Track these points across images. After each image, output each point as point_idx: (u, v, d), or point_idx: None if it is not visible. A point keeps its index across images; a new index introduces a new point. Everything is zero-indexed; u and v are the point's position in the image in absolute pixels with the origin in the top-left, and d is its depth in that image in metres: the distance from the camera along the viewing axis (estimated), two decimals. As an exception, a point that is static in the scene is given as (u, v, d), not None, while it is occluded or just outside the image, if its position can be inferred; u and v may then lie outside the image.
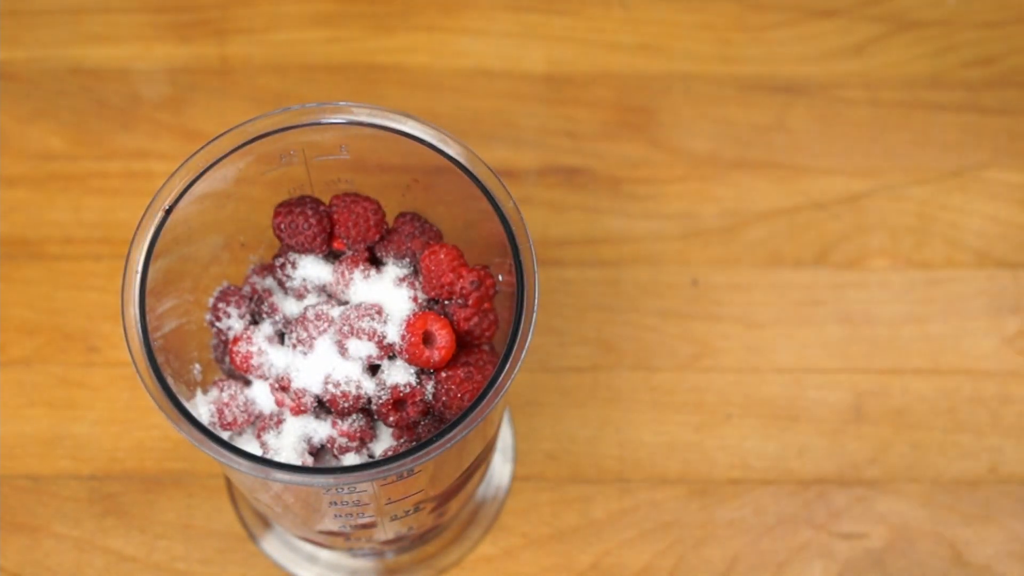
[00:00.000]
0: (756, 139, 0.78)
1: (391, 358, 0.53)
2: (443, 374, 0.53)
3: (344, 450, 0.54)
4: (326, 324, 0.53)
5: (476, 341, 0.54)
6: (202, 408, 0.54)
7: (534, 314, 0.48)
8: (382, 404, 0.52)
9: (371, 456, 0.54)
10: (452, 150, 0.50)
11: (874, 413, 0.72)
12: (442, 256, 0.53)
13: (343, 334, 0.52)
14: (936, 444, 0.71)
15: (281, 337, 0.56)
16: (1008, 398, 0.72)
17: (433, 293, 0.53)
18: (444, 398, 0.53)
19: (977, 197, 0.77)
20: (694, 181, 0.77)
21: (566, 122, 0.77)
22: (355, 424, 0.54)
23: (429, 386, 0.53)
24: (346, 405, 0.52)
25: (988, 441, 0.71)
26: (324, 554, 0.66)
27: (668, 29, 0.81)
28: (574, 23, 0.80)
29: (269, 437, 0.54)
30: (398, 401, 0.53)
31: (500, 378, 0.48)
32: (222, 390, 0.54)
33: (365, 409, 0.54)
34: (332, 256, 0.56)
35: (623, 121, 0.78)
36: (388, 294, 0.54)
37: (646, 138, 0.78)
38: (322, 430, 0.54)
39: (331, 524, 0.55)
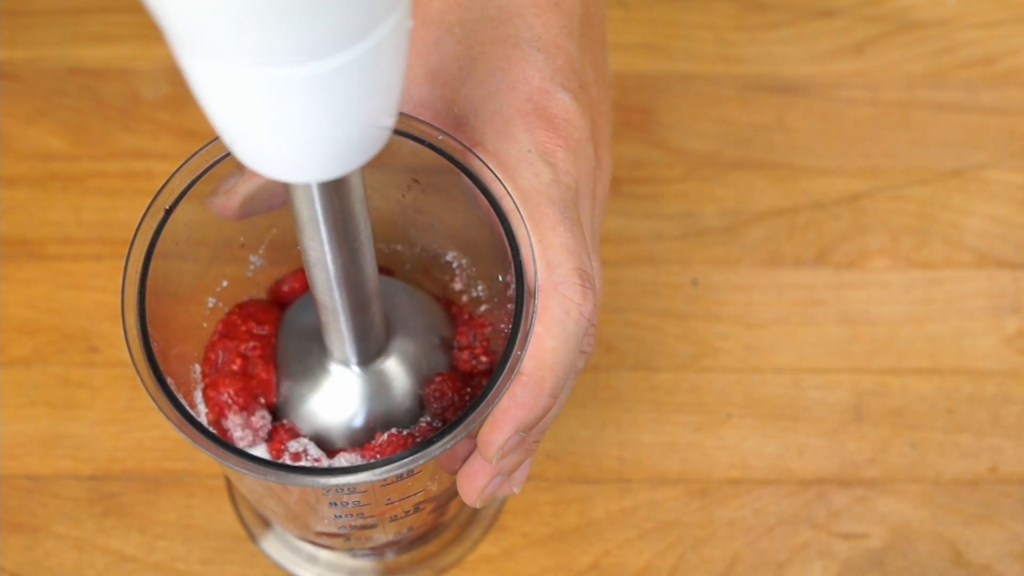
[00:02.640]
0: (756, 139, 0.78)
1: None
2: (437, 377, 0.53)
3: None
4: None
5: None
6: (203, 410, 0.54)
7: (533, 314, 0.48)
8: None
9: None
10: (452, 150, 0.50)
11: (874, 413, 0.72)
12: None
13: None
14: (936, 444, 0.71)
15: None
16: (1008, 398, 0.72)
17: None
18: (438, 403, 0.54)
19: (977, 197, 0.77)
20: (694, 181, 0.77)
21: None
22: None
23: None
24: None
25: (988, 441, 0.71)
26: (324, 554, 0.66)
27: (668, 29, 0.81)
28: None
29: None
30: None
31: (500, 379, 0.48)
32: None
33: None
34: None
35: (623, 121, 0.78)
36: None
37: (646, 138, 0.78)
38: None
39: (331, 525, 0.55)
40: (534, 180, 0.49)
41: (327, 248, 0.46)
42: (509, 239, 0.49)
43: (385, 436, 0.54)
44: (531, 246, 0.49)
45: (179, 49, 0.35)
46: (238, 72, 0.35)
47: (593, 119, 0.53)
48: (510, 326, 0.48)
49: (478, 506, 0.53)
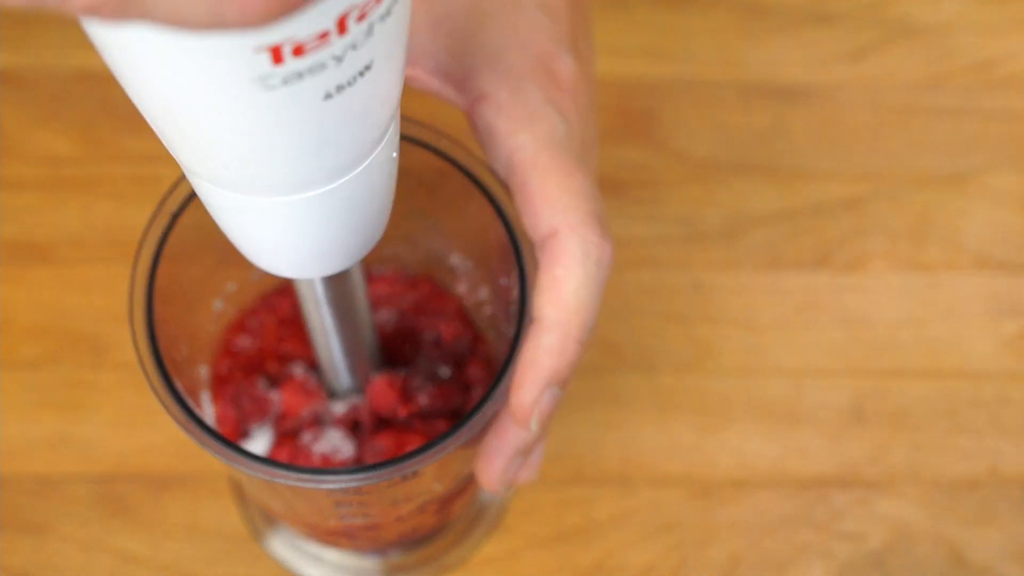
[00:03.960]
0: (757, 143, 0.78)
1: None
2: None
3: None
4: None
5: None
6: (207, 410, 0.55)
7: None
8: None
9: None
10: (455, 154, 0.51)
11: (874, 415, 0.72)
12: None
13: None
14: (936, 445, 0.71)
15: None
16: (1007, 400, 0.72)
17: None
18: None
19: (976, 201, 0.77)
20: (695, 185, 0.77)
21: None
22: None
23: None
24: None
25: (987, 443, 0.72)
26: (329, 554, 0.67)
27: (669, 34, 0.81)
28: (577, 28, 0.81)
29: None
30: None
31: (503, 379, 0.48)
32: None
33: None
34: None
35: (624, 125, 0.78)
36: None
37: (647, 142, 0.78)
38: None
39: (337, 525, 0.56)
40: (551, 131, 0.49)
41: (327, 321, 0.50)
42: (512, 242, 0.50)
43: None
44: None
45: (183, 168, 0.38)
46: (236, 197, 0.38)
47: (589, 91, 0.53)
48: (513, 330, 0.49)
49: (500, 490, 0.52)
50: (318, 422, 0.58)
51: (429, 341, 0.61)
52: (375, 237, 0.44)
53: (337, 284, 0.48)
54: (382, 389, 0.56)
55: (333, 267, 0.44)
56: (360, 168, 0.38)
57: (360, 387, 0.57)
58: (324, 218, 0.39)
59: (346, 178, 0.38)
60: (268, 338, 0.60)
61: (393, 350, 0.61)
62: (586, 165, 0.50)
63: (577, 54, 0.52)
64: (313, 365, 0.59)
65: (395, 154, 0.40)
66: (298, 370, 0.59)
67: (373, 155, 0.38)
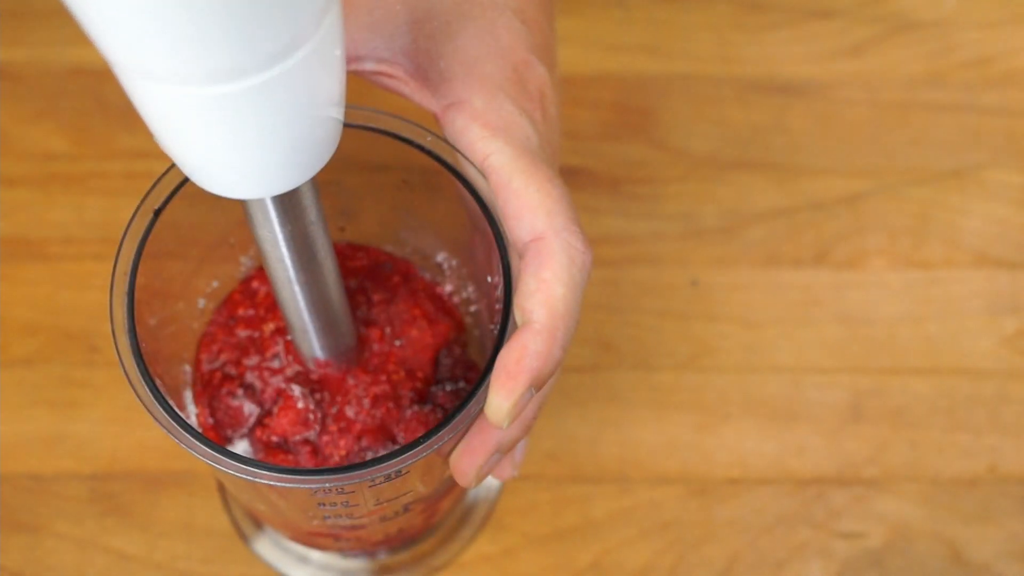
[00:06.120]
0: (755, 139, 0.78)
1: None
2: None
3: None
4: None
5: None
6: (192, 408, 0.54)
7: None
8: None
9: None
10: (441, 151, 0.51)
11: (873, 413, 0.72)
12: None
13: None
14: (935, 443, 0.71)
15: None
16: (1006, 398, 0.72)
17: None
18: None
19: (975, 197, 0.77)
20: (693, 181, 0.77)
21: (565, 123, 0.77)
22: None
23: None
24: None
25: (986, 440, 0.71)
26: (315, 554, 0.67)
27: (667, 30, 0.81)
28: (573, 24, 0.81)
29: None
30: None
31: (487, 379, 0.48)
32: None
33: None
34: None
35: (622, 121, 0.78)
36: None
37: (645, 139, 0.78)
38: None
39: (320, 525, 0.56)
40: (525, 140, 0.49)
41: (290, 269, 0.49)
42: (497, 240, 0.49)
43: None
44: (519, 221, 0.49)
45: (114, 68, 0.37)
46: (168, 90, 0.36)
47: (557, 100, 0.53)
48: (497, 327, 0.49)
49: (472, 485, 0.52)
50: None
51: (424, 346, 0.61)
52: (323, 152, 0.42)
53: (293, 219, 0.46)
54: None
55: (280, 183, 0.42)
56: (295, 58, 0.37)
57: (333, 355, 0.57)
58: (262, 116, 0.38)
59: (280, 67, 0.36)
60: (249, 330, 0.59)
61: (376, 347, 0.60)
62: (556, 173, 0.50)
63: (548, 63, 0.52)
64: (306, 383, 0.58)
65: (337, 52, 0.39)
66: (296, 392, 0.58)
67: (309, 45, 0.37)
